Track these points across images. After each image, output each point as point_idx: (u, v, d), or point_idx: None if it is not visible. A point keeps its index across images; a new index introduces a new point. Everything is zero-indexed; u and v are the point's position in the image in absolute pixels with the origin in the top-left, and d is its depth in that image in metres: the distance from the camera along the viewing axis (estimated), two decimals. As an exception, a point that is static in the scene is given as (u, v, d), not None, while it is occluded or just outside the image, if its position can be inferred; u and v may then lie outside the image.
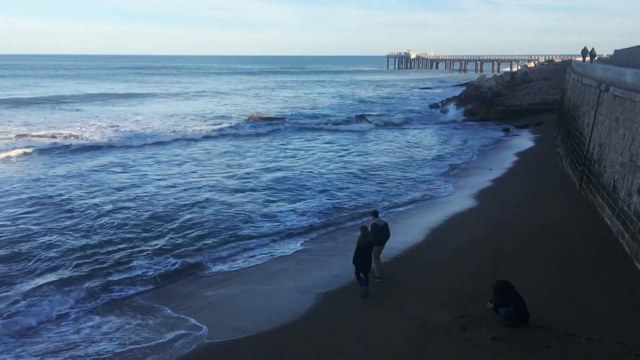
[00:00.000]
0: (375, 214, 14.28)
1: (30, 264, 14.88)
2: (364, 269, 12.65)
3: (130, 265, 14.84)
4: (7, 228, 17.78)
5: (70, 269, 14.56)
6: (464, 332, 10.46)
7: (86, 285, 13.53)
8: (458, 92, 72.60)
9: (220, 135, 40.17)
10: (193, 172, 27.37)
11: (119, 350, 10.52)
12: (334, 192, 23.17)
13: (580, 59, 44.06)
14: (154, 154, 32.07)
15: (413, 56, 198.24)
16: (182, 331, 11.21)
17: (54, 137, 37.32)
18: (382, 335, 10.68)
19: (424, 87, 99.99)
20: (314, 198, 22.24)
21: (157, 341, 10.82)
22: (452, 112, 55.68)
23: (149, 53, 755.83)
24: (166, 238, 17.06)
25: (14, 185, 23.55)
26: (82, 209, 19.96)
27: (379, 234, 13.35)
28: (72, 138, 37.14)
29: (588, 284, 12.41)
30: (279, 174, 26.82)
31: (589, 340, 9.74)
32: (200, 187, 23.74)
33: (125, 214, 19.50)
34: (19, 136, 37.61)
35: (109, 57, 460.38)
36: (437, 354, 9.78)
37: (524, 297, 10.60)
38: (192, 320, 11.69)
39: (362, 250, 12.53)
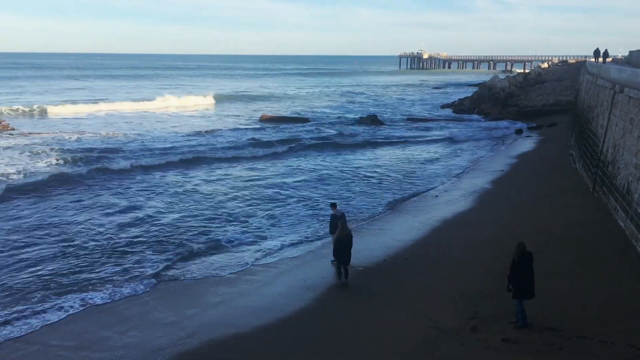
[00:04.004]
0: (333, 205, 15.44)
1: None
2: (344, 262, 13.28)
3: (140, 263, 14.95)
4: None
5: (85, 266, 14.77)
6: (474, 333, 10.42)
7: (98, 280, 13.72)
8: (470, 92, 72.24)
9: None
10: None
11: (125, 348, 10.59)
12: (337, 195, 23.03)
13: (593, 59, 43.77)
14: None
15: (425, 56, 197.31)
16: (190, 329, 11.26)
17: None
18: (392, 335, 10.67)
19: (436, 87, 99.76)
20: (318, 200, 22.22)
21: (165, 338, 10.88)
22: (466, 114, 55.50)
23: (155, 52, 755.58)
24: (178, 238, 17.20)
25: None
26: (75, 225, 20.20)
27: (337, 222, 14.06)
28: None
29: (600, 286, 12.28)
30: (282, 178, 27.13)
31: (601, 342, 9.65)
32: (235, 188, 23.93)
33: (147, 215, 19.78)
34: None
35: (125, 56, 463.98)
36: (447, 355, 9.75)
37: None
38: (200, 318, 11.76)
39: (342, 243, 13.18)
